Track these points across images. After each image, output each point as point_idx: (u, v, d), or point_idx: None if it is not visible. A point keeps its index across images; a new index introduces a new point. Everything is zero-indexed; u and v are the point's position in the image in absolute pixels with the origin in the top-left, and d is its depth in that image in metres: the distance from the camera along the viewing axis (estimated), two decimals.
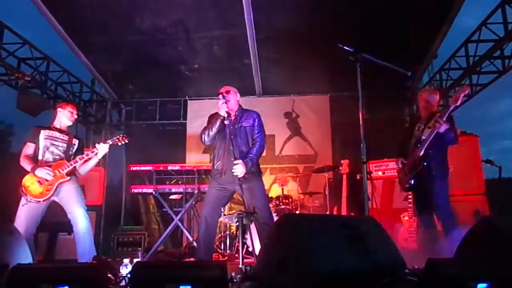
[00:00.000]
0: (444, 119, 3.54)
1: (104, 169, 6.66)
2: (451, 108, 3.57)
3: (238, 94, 3.83)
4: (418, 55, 6.54)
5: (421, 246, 3.96)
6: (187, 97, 7.78)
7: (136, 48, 6.45)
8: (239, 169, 3.41)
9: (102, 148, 3.83)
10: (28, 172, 3.65)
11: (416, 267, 2.37)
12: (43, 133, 3.82)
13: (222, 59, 6.81)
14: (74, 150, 3.97)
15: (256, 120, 3.74)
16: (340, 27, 5.60)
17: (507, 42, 5.41)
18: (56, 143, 3.85)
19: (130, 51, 6.51)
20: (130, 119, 8.10)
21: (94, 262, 2.87)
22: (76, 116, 4.07)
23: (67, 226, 3.91)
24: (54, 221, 4.14)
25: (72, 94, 7.36)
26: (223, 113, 3.56)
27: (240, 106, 3.82)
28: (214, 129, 3.61)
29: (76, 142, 4.01)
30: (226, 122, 3.56)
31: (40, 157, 3.76)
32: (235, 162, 3.42)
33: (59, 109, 4.01)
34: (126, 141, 4.11)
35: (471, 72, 6.27)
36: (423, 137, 3.77)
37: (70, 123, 4.03)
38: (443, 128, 3.55)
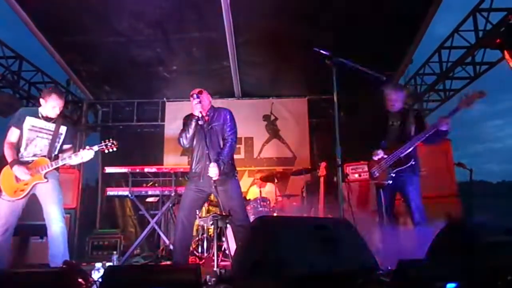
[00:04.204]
0: (449, 119, 3.50)
1: (79, 171, 6.50)
2: (459, 110, 3.48)
3: (210, 96, 3.82)
4: (394, 60, 6.68)
5: (389, 245, 3.95)
6: (165, 99, 7.69)
7: (113, 49, 6.32)
8: (213, 171, 3.42)
9: (87, 154, 3.66)
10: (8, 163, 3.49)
11: (389, 268, 2.41)
12: (28, 122, 3.59)
13: (201, 61, 6.75)
14: (60, 141, 3.75)
15: (227, 118, 3.73)
16: (317, 32, 5.67)
17: (478, 49, 5.61)
18: (41, 135, 3.63)
19: (107, 51, 6.37)
20: (106, 120, 7.94)
21: (63, 266, 2.79)
22: (59, 111, 3.73)
23: (40, 230, 3.80)
24: (25, 225, 4.01)
25: None
26: (197, 113, 3.57)
27: (212, 106, 3.82)
28: (191, 131, 3.63)
29: (63, 130, 3.77)
30: (200, 122, 3.56)
31: (22, 150, 3.56)
32: (210, 165, 3.43)
33: (41, 100, 3.69)
34: (115, 149, 3.81)
35: (444, 77, 6.46)
36: (412, 134, 3.74)
37: (54, 117, 3.72)
38: (446, 126, 3.51)
